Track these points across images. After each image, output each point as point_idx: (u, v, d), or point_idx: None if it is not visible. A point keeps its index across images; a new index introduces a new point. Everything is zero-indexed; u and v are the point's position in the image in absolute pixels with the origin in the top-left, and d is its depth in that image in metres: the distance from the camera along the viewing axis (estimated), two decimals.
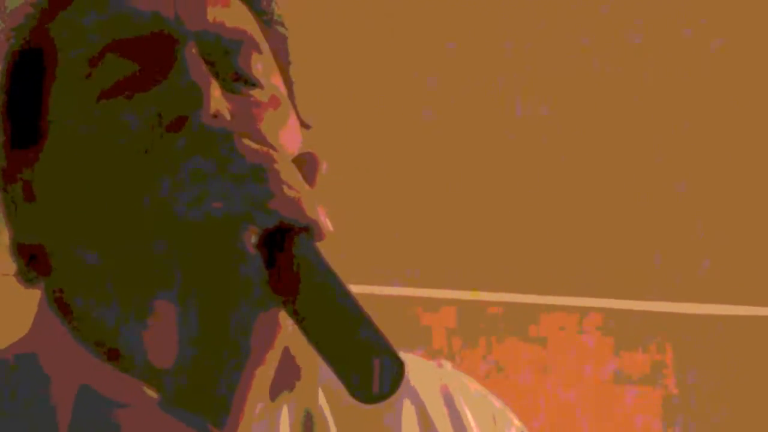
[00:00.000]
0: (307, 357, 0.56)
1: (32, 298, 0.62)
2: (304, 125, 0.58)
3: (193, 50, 0.52)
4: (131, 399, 0.53)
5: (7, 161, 0.59)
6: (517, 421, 0.68)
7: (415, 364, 0.63)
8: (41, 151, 0.57)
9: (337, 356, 0.44)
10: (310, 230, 0.47)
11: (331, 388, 0.59)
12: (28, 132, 0.58)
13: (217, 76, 0.52)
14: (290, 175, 0.49)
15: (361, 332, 0.44)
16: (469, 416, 0.65)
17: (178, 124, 0.50)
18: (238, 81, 0.55)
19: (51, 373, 0.56)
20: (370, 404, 0.45)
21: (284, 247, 0.46)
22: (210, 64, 0.53)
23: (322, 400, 0.60)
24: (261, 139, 0.51)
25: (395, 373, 0.44)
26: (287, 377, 0.55)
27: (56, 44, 0.57)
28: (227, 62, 0.55)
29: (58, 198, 0.55)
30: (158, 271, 0.50)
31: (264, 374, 0.46)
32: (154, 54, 0.53)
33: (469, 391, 0.67)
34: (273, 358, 0.47)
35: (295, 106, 0.58)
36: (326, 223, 0.48)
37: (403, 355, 0.45)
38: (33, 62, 0.58)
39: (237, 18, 0.57)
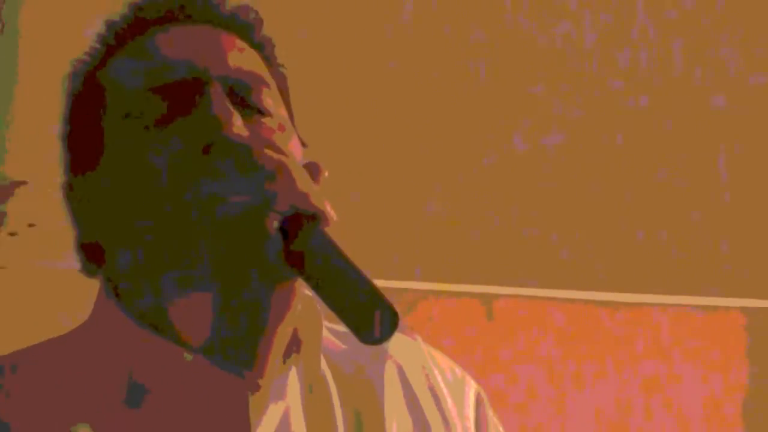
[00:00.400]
0: (313, 332, 0.71)
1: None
2: (303, 144, 0.74)
3: (218, 89, 0.68)
4: (164, 361, 0.67)
5: (69, 177, 0.75)
6: (474, 383, 0.83)
7: (395, 337, 0.78)
8: (97, 170, 0.72)
9: (346, 310, 0.59)
10: (318, 217, 0.62)
11: (330, 356, 0.75)
12: (86, 156, 0.74)
13: (238, 108, 0.67)
14: (300, 175, 0.64)
15: (363, 290, 0.59)
16: (437, 376, 0.80)
17: (208, 145, 0.65)
18: (253, 111, 0.70)
19: (108, 341, 0.70)
20: (373, 345, 0.59)
21: (298, 231, 0.61)
22: (232, 99, 0.68)
23: (323, 364, 0.74)
24: (276, 149, 0.66)
25: (392, 321, 0.59)
26: (294, 346, 0.69)
27: (106, 87, 0.73)
28: (245, 98, 0.70)
29: (112, 205, 0.71)
30: (192, 260, 0.64)
31: (284, 332, 0.61)
32: (187, 93, 0.69)
33: (436, 358, 0.82)
34: (291, 319, 0.61)
35: (296, 130, 0.74)
36: (331, 213, 0.63)
37: None
38: (88, 101, 0.74)
39: (250, 62, 0.73)
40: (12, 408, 0.67)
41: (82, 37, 0.78)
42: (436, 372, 0.80)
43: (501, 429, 0.83)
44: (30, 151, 2.94)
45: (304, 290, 0.64)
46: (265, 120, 0.70)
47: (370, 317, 0.58)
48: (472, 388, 0.82)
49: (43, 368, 0.70)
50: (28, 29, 2.44)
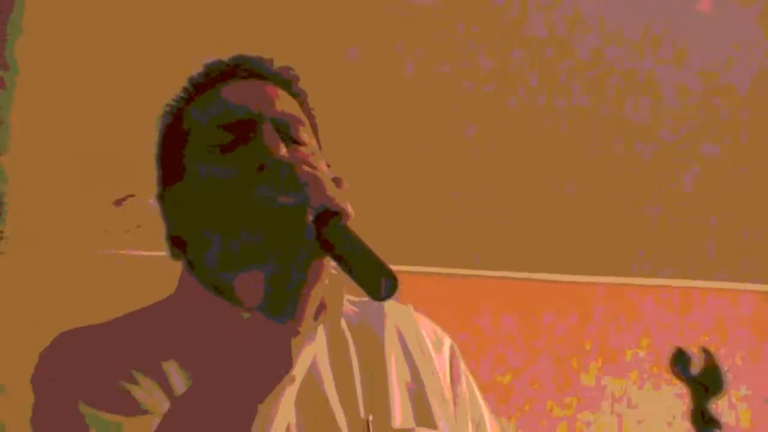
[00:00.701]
0: (336, 300, 0.99)
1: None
2: (327, 166, 1.00)
3: (269, 126, 0.96)
4: (229, 319, 0.94)
5: (162, 188, 1.04)
6: (449, 340, 1.11)
7: (394, 305, 1.07)
8: (181, 181, 1.01)
9: (361, 277, 0.84)
10: (341, 214, 0.87)
11: (347, 318, 1.04)
12: (173, 172, 1.03)
13: (282, 140, 0.95)
14: (328, 184, 0.88)
15: (372, 263, 0.84)
16: (424, 333, 1.09)
17: (262, 164, 0.93)
18: (293, 142, 0.98)
19: (190, 305, 1.00)
20: (380, 301, 0.84)
21: (327, 222, 0.86)
22: (278, 134, 0.96)
23: (342, 323, 1.03)
24: (310, 166, 0.90)
25: (393, 285, 0.83)
26: (322, 309, 0.92)
27: (188, 123, 1.02)
28: (287, 133, 0.98)
29: (193, 208, 0.99)
30: (252, 244, 0.91)
31: (316, 294, 0.86)
32: (246, 129, 0.97)
33: (423, 322, 1.11)
34: (321, 287, 0.87)
35: (322, 154, 1.02)
36: (350, 210, 0.88)
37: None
38: (175, 133, 1.03)
39: (290, 107, 1.02)
40: (124, 344, 0.96)
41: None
42: (423, 332, 1.09)
43: (469, 375, 1.11)
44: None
45: (331, 269, 0.90)
46: (301, 148, 0.98)
47: (378, 281, 0.84)
48: (447, 344, 1.11)
49: (148, 321, 1.00)
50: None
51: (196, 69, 1.07)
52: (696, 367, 0.84)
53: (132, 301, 1.03)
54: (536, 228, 2.98)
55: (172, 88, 1.12)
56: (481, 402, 1.11)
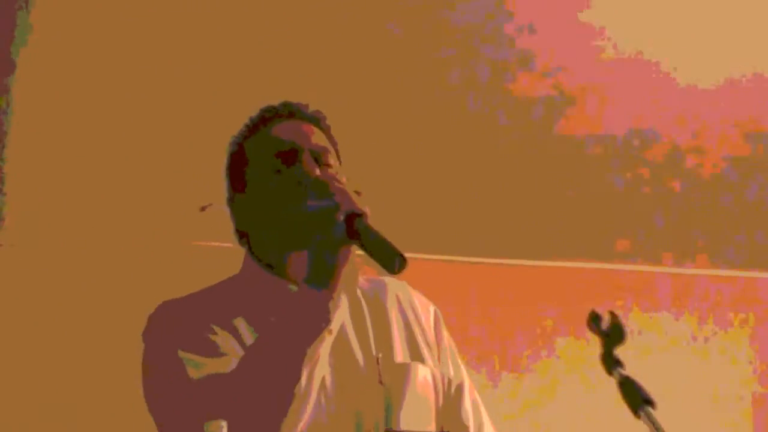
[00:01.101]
0: (353, 277, 1.36)
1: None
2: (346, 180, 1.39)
3: (307, 155, 1.34)
4: (281, 289, 1.34)
5: (231, 196, 1.43)
6: (433, 307, 1.50)
7: (395, 281, 1.46)
8: (244, 192, 1.40)
9: (379, 257, 1.19)
10: (362, 214, 1.23)
11: (362, 290, 1.43)
12: (238, 185, 1.42)
13: (317, 165, 1.34)
14: (352, 193, 1.25)
15: (386, 247, 1.19)
16: (416, 301, 1.48)
17: (303, 183, 1.30)
18: (324, 165, 1.36)
19: (251, 280, 1.39)
20: (393, 275, 1.20)
21: (353, 221, 1.22)
22: (315, 160, 1.34)
23: (358, 293, 1.42)
24: (338, 182, 1.29)
25: (403, 263, 1.19)
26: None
27: (248, 151, 1.41)
28: (320, 159, 1.36)
29: (253, 210, 1.38)
30: (298, 235, 1.27)
31: (345, 272, 1.24)
32: (291, 156, 1.35)
33: (416, 293, 1.50)
34: (349, 266, 1.24)
35: (343, 173, 1.40)
36: (369, 211, 1.24)
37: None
38: (240, 157, 1.42)
39: (321, 139, 1.40)
40: (207, 308, 1.34)
41: None
42: (415, 300, 1.48)
43: (451, 339, 1.49)
44: None
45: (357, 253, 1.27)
46: (330, 170, 1.37)
47: (393, 260, 1.20)
48: (432, 309, 1.50)
49: (222, 291, 1.40)
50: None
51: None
52: (605, 324, 1.20)
53: (209, 278, 1.42)
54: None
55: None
56: (459, 361, 1.48)
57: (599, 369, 1.22)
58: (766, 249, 3.30)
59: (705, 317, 3.11)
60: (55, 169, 3.33)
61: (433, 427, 1.34)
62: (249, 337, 1.31)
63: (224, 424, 1.01)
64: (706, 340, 3.02)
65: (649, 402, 1.18)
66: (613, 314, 1.19)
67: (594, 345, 1.22)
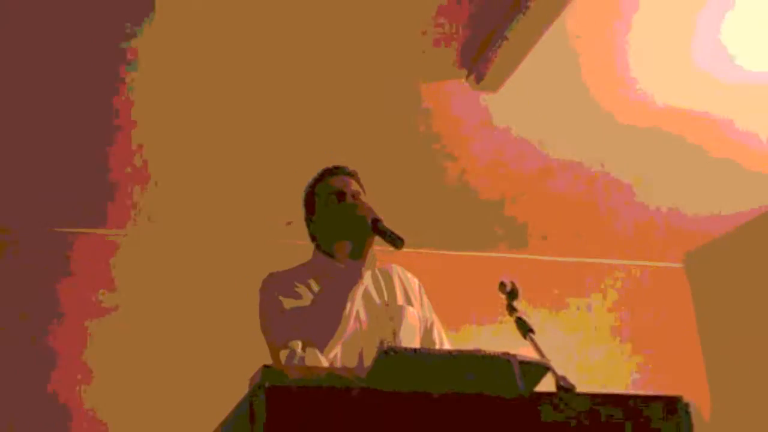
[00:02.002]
0: (373, 258, 2.32)
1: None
2: None
3: (349, 196, 2.36)
4: (333, 265, 2.35)
5: (307, 217, 2.47)
6: (416, 280, 2.50)
7: (397, 266, 2.49)
8: (314, 214, 2.43)
9: (390, 241, 2.15)
10: (380, 220, 2.18)
11: (378, 269, 2.44)
12: (311, 211, 2.46)
13: (354, 199, 2.35)
14: (373, 210, 2.24)
15: (394, 235, 2.15)
16: (408, 275, 2.49)
17: (347, 206, 2.32)
18: (357, 199, 2.36)
19: (317, 262, 2.41)
20: (397, 249, 2.15)
21: (376, 223, 2.19)
22: (352, 196, 2.36)
23: (376, 271, 2.42)
24: (367, 206, 2.28)
25: (401, 243, 2.14)
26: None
27: (317, 192, 2.44)
28: (355, 196, 2.37)
29: (319, 224, 2.41)
30: (344, 232, 2.27)
31: (369, 254, 2.23)
32: (341, 196, 2.38)
33: (408, 272, 2.49)
34: (372, 249, 2.23)
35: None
36: (383, 219, 2.21)
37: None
38: (311, 195, 2.47)
39: (357, 185, 2.42)
40: (294, 274, 2.35)
41: None
42: (408, 276, 2.48)
43: (427, 298, 2.45)
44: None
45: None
46: (360, 200, 2.35)
47: (396, 241, 2.14)
48: (417, 281, 2.48)
49: (303, 266, 2.41)
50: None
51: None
52: (508, 287, 2.14)
53: (291, 261, 2.41)
54: None
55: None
56: (432, 310, 2.42)
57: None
58: None
59: None
60: (182, 171, 4.28)
61: (417, 344, 2.30)
62: (316, 290, 2.28)
63: (300, 343, 1.88)
64: None
65: (532, 331, 2.08)
66: (512, 283, 2.13)
67: None
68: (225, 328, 4.44)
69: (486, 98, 3.76)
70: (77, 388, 4.46)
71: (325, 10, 3.23)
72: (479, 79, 3.46)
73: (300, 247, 2.55)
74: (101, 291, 4.68)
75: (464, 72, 3.58)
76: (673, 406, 1.72)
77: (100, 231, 4.77)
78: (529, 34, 3.18)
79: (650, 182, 4.59)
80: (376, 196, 2.48)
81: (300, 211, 2.49)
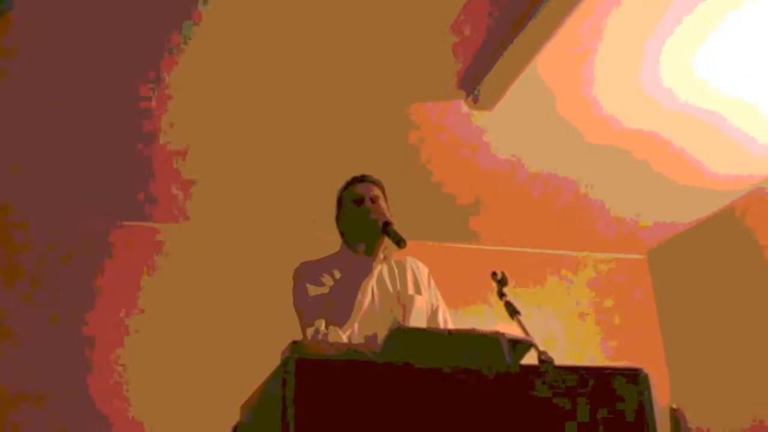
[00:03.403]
0: (388, 253, 2.43)
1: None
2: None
3: (369, 201, 2.46)
4: (354, 257, 2.43)
5: (337, 215, 2.56)
6: (426, 268, 2.59)
7: (411, 258, 2.57)
8: (342, 212, 2.52)
9: (395, 242, 2.26)
10: (391, 223, 2.31)
11: (394, 260, 2.53)
12: (339, 210, 2.54)
13: (373, 203, 2.45)
14: (387, 213, 2.37)
15: (399, 237, 2.25)
16: (419, 264, 2.57)
17: (366, 210, 2.42)
18: (375, 204, 2.46)
19: (342, 253, 2.51)
20: (400, 248, 2.26)
21: (386, 226, 2.30)
22: (371, 200, 2.46)
23: (391, 262, 2.51)
24: (382, 208, 2.41)
25: (405, 244, 2.24)
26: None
27: (343, 196, 2.53)
28: (375, 201, 2.46)
29: (345, 222, 2.51)
30: (361, 232, 2.39)
31: (381, 249, 2.33)
32: (361, 200, 2.47)
33: (419, 262, 2.58)
34: (383, 246, 2.33)
35: (386, 206, 2.51)
36: (393, 221, 2.32)
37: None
38: (340, 200, 2.56)
39: (377, 192, 2.51)
40: (321, 264, 2.45)
41: None
42: (419, 265, 2.57)
43: (434, 284, 2.54)
44: None
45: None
46: (378, 204, 2.45)
47: (402, 242, 2.23)
48: (426, 270, 2.57)
49: (328, 258, 2.49)
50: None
51: None
52: (499, 276, 2.22)
53: (320, 251, 2.49)
54: None
55: None
56: (439, 295, 2.50)
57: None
58: None
59: None
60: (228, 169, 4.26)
61: (424, 326, 2.39)
62: (338, 278, 2.36)
63: (323, 321, 2.00)
64: None
65: (519, 313, 2.16)
66: (502, 271, 2.21)
67: None
68: (261, 310, 4.46)
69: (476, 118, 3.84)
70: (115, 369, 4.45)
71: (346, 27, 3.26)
72: (476, 101, 3.57)
73: (327, 241, 2.64)
74: (145, 275, 4.68)
75: (463, 93, 3.68)
76: (635, 377, 1.80)
77: (145, 224, 4.75)
78: (519, 61, 3.25)
79: (611, 188, 4.69)
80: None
81: (331, 211, 2.60)
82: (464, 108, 3.72)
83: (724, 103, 3.83)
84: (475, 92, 3.50)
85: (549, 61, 3.39)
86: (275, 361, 1.73)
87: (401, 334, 1.74)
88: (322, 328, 1.87)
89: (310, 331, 1.88)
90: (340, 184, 2.58)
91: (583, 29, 3.24)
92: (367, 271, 2.27)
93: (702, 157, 4.34)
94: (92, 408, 4.26)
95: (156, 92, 3.56)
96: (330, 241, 2.60)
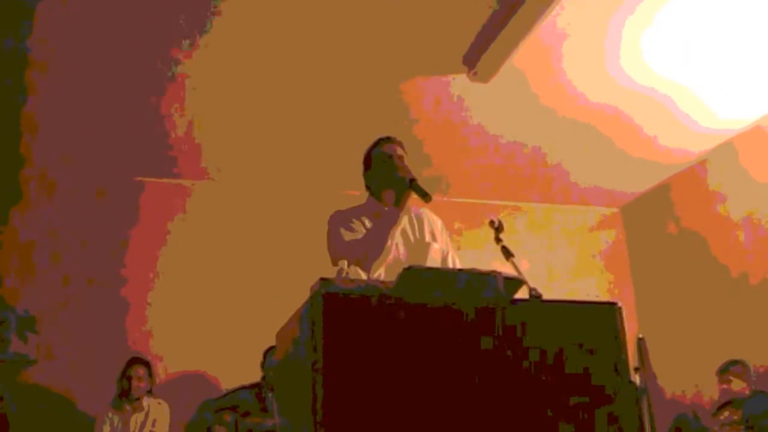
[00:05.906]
0: (409, 207, 2.31)
1: None
2: None
3: (396, 156, 2.32)
4: (381, 208, 2.31)
5: (365, 170, 2.41)
6: (440, 219, 2.46)
7: (427, 210, 2.44)
8: (370, 169, 2.38)
9: (421, 196, 2.13)
10: (416, 179, 2.15)
11: (413, 212, 2.40)
12: (367, 166, 2.39)
13: (399, 159, 2.32)
14: (411, 171, 2.22)
15: (425, 192, 2.11)
16: (434, 216, 2.44)
17: (393, 161, 2.30)
18: (401, 161, 2.31)
19: (370, 203, 2.38)
20: (426, 202, 2.13)
21: (412, 182, 2.17)
22: (399, 158, 2.31)
23: (412, 213, 2.38)
24: (407, 166, 2.27)
25: (430, 198, 2.12)
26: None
27: (373, 154, 2.38)
28: (401, 158, 2.32)
29: (373, 176, 2.36)
30: (391, 184, 2.27)
31: (407, 203, 2.21)
32: (390, 156, 2.33)
33: (434, 213, 2.45)
34: (408, 201, 2.22)
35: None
36: (417, 178, 2.19)
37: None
38: (369, 155, 2.40)
39: (401, 151, 2.34)
40: (353, 212, 2.32)
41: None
42: (434, 217, 2.44)
43: (447, 233, 2.43)
44: None
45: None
46: (404, 161, 2.30)
47: (427, 197, 2.11)
48: (440, 221, 2.44)
49: (358, 208, 2.35)
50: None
51: None
52: (496, 224, 2.12)
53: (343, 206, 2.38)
54: None
55: None
56: (450, 243, 2.39)
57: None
58: None
59: None
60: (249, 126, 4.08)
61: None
62: (368, 225, 2.26)
63: (346, 261, 1.92)
64: None
65: (512, 255, 2.08)
66: (498, 219, 2.11)
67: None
68: (294, 254, 4.35)
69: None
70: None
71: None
72: (476, 74, 3.47)
73: (351, 197, 2.50)
74: (178, 218, 4.54)
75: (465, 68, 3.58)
76: (611, 309, 1.76)
77: (178, 181, 4.59)
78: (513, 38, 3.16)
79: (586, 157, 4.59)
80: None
81: (357, 170, 2.43)
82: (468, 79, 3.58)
83: (672, 87, 3.85)
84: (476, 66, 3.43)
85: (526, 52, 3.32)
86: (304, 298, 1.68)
87: (412, 271, 1.68)
88: (345, 267, 1.80)
89: (335, 271, 1.82)
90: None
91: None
92: (394, 220, 2.16)
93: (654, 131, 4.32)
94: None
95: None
96: (354, 197, 2.48)
